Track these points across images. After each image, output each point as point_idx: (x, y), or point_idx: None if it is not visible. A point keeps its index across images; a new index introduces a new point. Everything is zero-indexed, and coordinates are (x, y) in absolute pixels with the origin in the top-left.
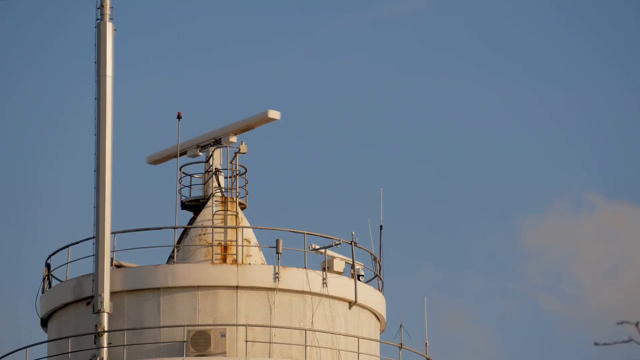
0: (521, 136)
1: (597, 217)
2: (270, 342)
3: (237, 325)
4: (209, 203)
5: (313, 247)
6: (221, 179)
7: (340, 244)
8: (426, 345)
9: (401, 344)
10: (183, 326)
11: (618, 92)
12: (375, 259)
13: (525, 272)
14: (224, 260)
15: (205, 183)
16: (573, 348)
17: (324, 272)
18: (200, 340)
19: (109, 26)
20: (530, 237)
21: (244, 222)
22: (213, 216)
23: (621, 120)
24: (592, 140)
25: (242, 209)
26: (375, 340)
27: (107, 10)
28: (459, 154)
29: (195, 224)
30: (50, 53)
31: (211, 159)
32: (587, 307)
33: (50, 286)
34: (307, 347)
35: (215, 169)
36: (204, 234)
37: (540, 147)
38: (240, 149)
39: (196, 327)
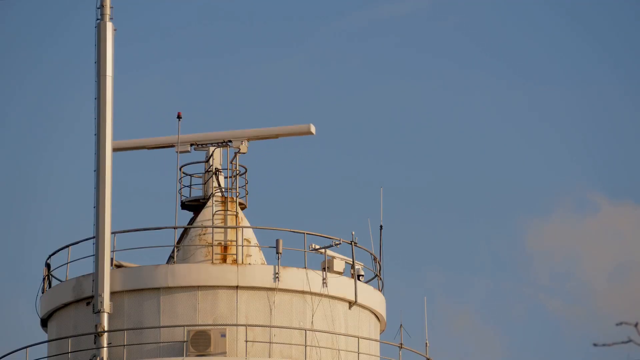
0: (522, 139)
1: (601, 217)
2: (270, 342)
3: (237, 325)
4: (209, 203)
5: (313, 247)
6: (221, 179)
7: (340, 244)
8: (426, 345)
9: (401, 344)
10: (183, 326)
11: (617, 92)
12: (375, 259)
13: (531, 274)
14: (224, 260)
15: (205, 183)
16: (578, 349)
17: (324, 272)
18: (200, 340)
19: (109, 26)
20: (535, 239)
21: (244, 222)
22: (213, 216)
23: (620, 120)
24: (592, 141)
25: (242, 209)
26: (375, 340)
27: (107, 10)
28: (461, 156)
29: (195, 224)
30: (50, 53)
31: (211, 159)
32: (593, 308)
33: (50, 286)
34: (307, 347)
35: (216, 168)
36: (204, 234)
37: (541, 149)
38: (240, 149)
39: (196, 327)
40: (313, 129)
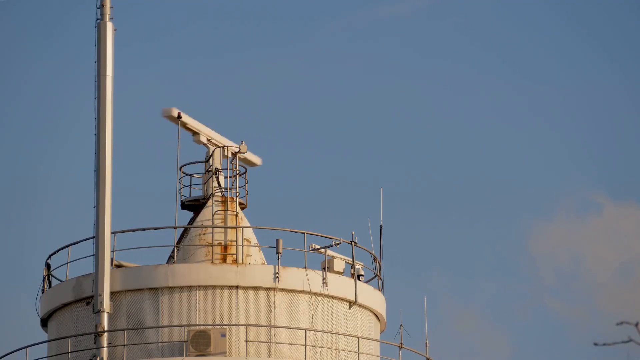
0: (523, 139)
1: (605, 217)
2: (270, 342)
3: (237, 325)
4: (209, 203)
5: (313, 247)
6: (221, 178)
7: (340, 244)
8: (426, 345)
9: (401, 344)
10: (183, 326)
11: (618, 92)
12: (375, 258)
13: (534, 276)
14: (224, 260)
15: (205, 183)
16: (583, 349)
17: (324, 272)
18: (200, 340)
19: (109, 26)
20: (538, 240)
21: (244, 222)
22: (213, 216)
23: (621, 120)
24: (594, 142)
25: (242, 208)
26: (375, 340)
27: (107, 10)
28: (461, 157)
29: (195, 224)
30: (50, 53)
31: (211, 159)
32: (597, 309)
33: (50, 286)
34: (307, 347)
35: (215, 168)
36: (204, 234)
37: (543, 150)
38: (240, 149)
39: (196, 327)
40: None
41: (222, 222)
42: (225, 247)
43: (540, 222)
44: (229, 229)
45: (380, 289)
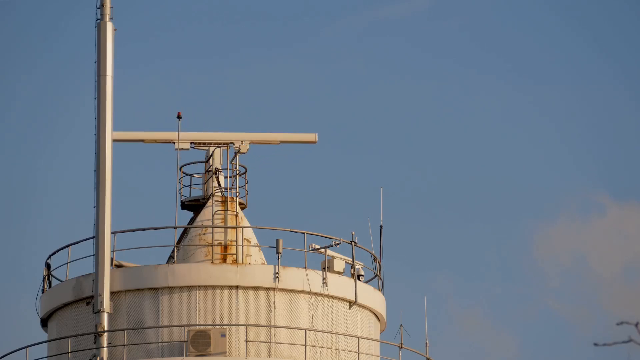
0: (524, 140)
1: (607, 218)
2: (270, 342)
3: (237, 325)
4: (209, 203)
5: (313, 247)
6: (221, 178)
7: (340, 244)
8: (426, 345)
9: (401, 344)
10: (183, 326)
11: (620, 92)
12: (375, 258)
13: (538, 277)
14: (224, 260)
15: (205, 183)
16: (585, 350)
17: (324, 272)
18: (200, 340)
19: (109, 26)
20: (541, 241)
21: (244, 222)
22: (213, 216)
23: (623, 120)
24: (596, 142)
25: (242, 208)
26: (375, 340)
27: (107, 10)
28: (461, 158)
29: (195, 224)
30: (50, 53)
31: (211, 159)
32: (601, 309)
33: (50, 286)
34: (307, 347)
35: (215, 168)
36: (204, 234)
37: (545, 151)
38: (240, 149)
39: (196, 327)
40: (316, 138)
41: (222, 222)
42: (225, 247)
43: (543, 223)
44: (229, 229)
45: (380, 289)
